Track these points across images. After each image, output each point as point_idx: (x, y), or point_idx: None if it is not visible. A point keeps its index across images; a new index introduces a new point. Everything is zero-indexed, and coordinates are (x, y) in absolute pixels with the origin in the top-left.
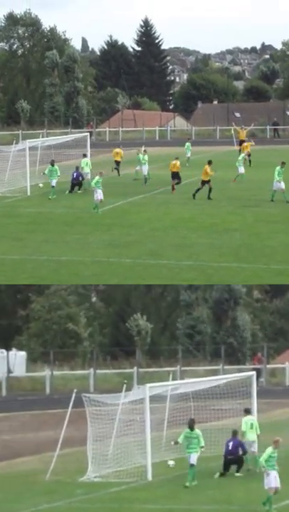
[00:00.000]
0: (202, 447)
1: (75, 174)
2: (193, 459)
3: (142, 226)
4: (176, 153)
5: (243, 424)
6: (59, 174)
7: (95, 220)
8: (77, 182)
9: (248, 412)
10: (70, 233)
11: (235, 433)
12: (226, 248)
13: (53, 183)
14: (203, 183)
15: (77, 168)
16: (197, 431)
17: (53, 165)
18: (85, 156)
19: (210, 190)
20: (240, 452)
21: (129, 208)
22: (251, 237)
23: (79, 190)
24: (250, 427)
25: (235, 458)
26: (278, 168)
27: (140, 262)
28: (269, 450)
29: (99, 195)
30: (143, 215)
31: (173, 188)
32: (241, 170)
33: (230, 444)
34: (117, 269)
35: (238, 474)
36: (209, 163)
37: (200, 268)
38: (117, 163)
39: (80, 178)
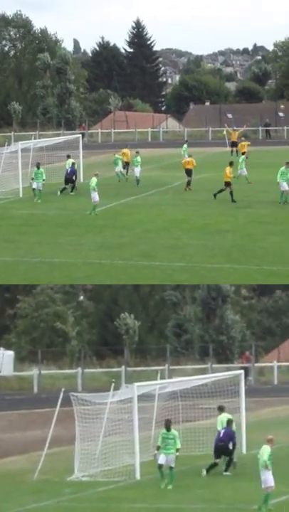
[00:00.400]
0: (178, 449)
1: (69, 170)
2: (170, 460)
3: (134, 227)
4: (169, 155)
5: (219, 423)
6: (44, 178)
7: (87, 222)
8: (70, 178)
9: (221, 409)
10: (63, 235)
11: (229, 422)
12: (219, 249)
13: (38, 186)
14: (227, 184)
15: (73, 164)
16: (174, 432)
17: (38, 168)
18: (68, 157)
19: (231, 193)
20: (230, 445)
21: (121, 209)
22: (243, 238)
23: (71, 191)
24: (225, 424)
25: (224, 447)
26: (283, 168)
27: (132, 263)
28: (268, 449)
29: (96, 196)
30: (135, 217)
31: (187, 186)
32: (243, 172)
33: (222, 431)
34: (110, 270)
35: (226, 473)
36: (230, 164)
37: (192, 269)
38: (126, 163)
39: (74, 177)
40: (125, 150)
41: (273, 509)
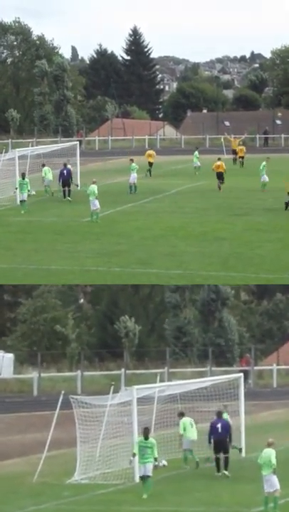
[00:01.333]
0: (155, 459)
1: (65, 172)
2: (148, 469)
3: (131, 235)
4: (166, 162)
5: (181, 425)
6: (29, 188)
7: (84, 229)
8: (67, 180)
9: (182, 415)
10: (60, 242)
11: (220, 414)
12: (216, 257)
13: (23, 196)
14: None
15: (65, 164)
16: (152, 440)
17: (23, 178)
18: (43, 165)
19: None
20: (228, 437)
21: (118, 216)
22: (240, 245)
23: (68, 196)
24: (190, 426)
25: (224, 441)
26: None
27: (129, 270)
28: (273, 452)
29: (97, 204)
30: (132, 224)
31: (219, 188)
32: (265, 178)
33: (219, 425)
34: (107, 277)
35: (226, 473)
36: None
37: (189, 277)
38: (150, 164)
39: (70, 178)
40: (150, 151)
41: None
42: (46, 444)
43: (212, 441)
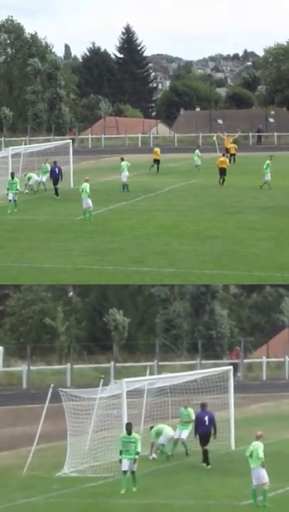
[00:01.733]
0: (138, 453)
1: (56, 170)
2: (131, 464)
3: (124, 233)
4: (160, 160)
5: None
6: (18, 188)
7: (77, 228)
8: (56, 177)
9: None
10: (53, 240)
11: (204, 406)
12: (208, 255)
13: (12, 196)
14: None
15: (55, 162)
16: (135, 435)
17: (12, 177)
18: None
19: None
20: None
21: (111, 215)
22: (233, 244)
23: (56, 195)
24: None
25: (209, 434)
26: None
27: (122, 269)
28: (261, 445)
29: (89, 202)
30: (125, 222)
31: (222, 183)
32: (267, 177)
33: (206, 418)
34: (99, 276)
35: (209, 467)
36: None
37: (182, 275)
38: (156, 161)
39: (61, 177)
40: (156, 149)
41: (268, 505)
42: (36, 437)
43: (198, 434)
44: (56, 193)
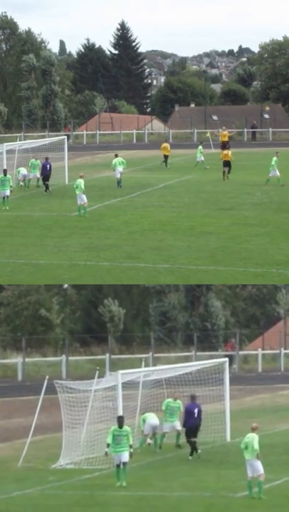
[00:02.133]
0: (131, 446)
1: (48, 166)
2: (125, 457)
3: (119, 229)
4: (154, 156)
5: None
6: (12, 184)
7: (72, 224)
8: (47, 174)
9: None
10: (48, 237)
11: (194, 398)
12: (203, 251)
13: (6, 193)
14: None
15: (47, 158)
16: (126, 428)
17: (5, 174)
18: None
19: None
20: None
21: (106, 211)
22: (228, 240)
23: (46, 191)
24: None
25: (198, 426)
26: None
27: (118, 265)
28: (256, 437)
29: (84, 198)
30: (120, 218)
31: (226, 175)
32: (275, 173)
33: (196, 410)
34: (95, 272)
35: (199, 451)
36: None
37: (177, 271)
38: (165, 156)
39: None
40: (165, 144)
41: (264, 497)
42: (31, 429)
43: (187, 426)
44: (46, 189)
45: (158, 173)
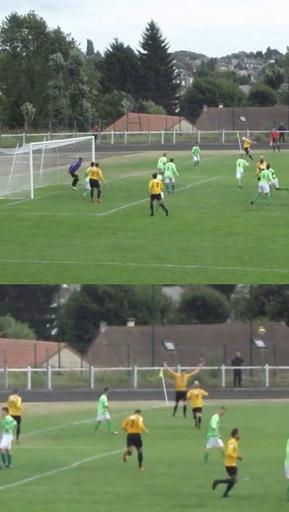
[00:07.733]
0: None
1: (74, 163)
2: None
3: (146, 230)
4: (182, 157)
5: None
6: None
7: (99, 224)
8: (71, 172)
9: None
10: (74, 237)
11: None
12: (230, 252)
13: None
14: None
15: (80, 159)
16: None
17: None
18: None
19: None
20: None
21: (133, 211)
22: (255, 240)
23: (74, 186)
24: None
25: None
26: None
27: (144, 265)
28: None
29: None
30: (147, 219)
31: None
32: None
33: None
34: (122, 273)
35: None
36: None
37: (204, 272)
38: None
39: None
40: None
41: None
42: None
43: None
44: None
45: (186, 173)
